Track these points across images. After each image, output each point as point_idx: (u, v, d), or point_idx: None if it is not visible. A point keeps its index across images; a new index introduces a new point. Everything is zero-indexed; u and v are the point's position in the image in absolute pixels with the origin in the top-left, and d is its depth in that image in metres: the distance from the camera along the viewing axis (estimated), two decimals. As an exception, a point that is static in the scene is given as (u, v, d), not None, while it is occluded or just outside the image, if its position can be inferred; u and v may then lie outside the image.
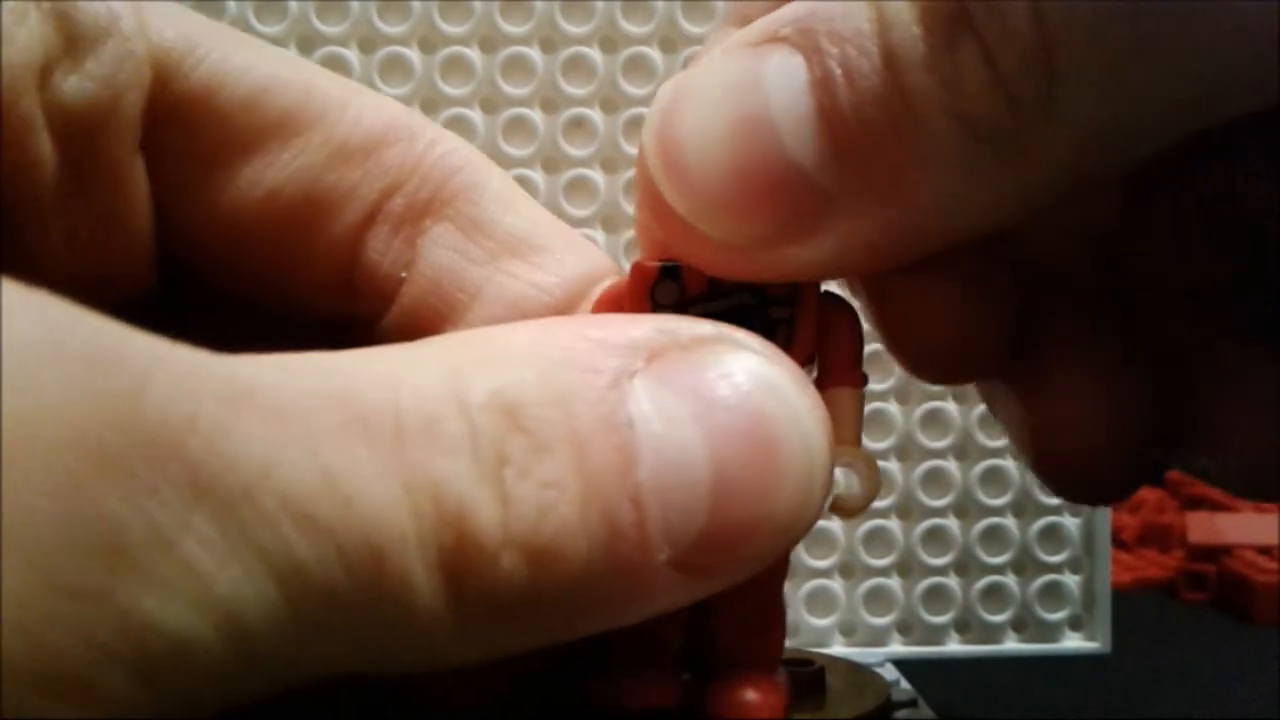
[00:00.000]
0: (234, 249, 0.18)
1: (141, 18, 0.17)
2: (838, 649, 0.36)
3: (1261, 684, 0.35)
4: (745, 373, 0.14)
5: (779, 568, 0.17)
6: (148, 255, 0.18)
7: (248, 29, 0.34)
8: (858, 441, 0.16)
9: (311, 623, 0.12)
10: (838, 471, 0.15)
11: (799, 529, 0.14)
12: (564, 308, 0.18)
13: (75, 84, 0.16)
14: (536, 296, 0.18)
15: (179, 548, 0.11)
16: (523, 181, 0.31)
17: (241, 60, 0.18)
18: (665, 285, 0.16)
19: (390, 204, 0.18)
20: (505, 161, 0.35)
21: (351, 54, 0.35)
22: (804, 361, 0.16)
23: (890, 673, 0.31)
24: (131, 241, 0.18)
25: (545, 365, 0.13)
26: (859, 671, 0.23)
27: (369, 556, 0.12)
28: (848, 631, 0.36)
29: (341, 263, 0.18)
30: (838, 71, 0.14)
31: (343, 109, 0.18)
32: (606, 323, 0.14)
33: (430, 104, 0.35)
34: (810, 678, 0.21)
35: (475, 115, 0.35)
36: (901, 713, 0.28)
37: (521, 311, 0.18)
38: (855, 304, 0.18)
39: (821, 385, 0.15)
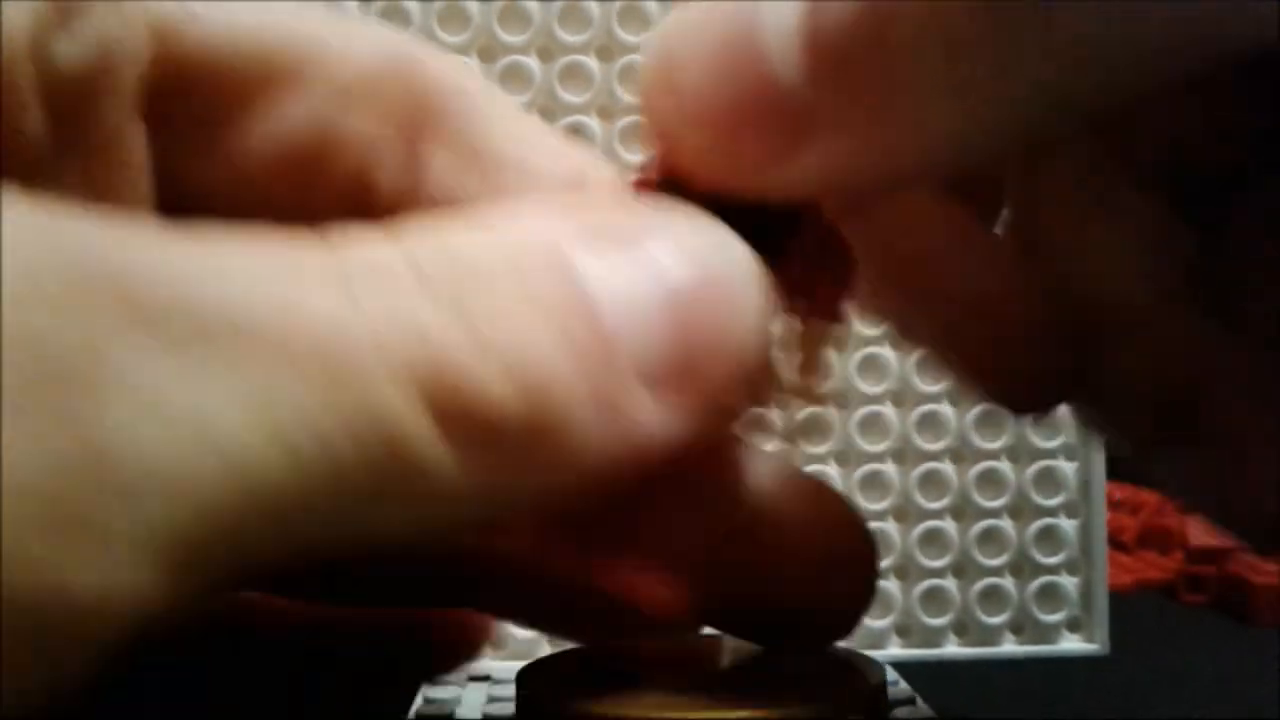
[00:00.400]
0: (241, 205, 0.18)
1: None
2: (837, 652, 0.36)
3: (1262, 686, 0.35)
4: (688, 226, 0.15)
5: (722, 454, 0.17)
6: (149, 222, 0.18)
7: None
8: (817, 374, 0.16)
9: (309, 468, 0.12)
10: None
11: (754, 359, 0.15)
12: None
13: (68, 50, 0.16)
14: None
15: (141, 374, 0.11)
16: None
17: (238, 13, 0.18)
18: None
19: (393, 138, 0.18)
20: (503, 169, 0.35)
21: (350, 64, 0.35)
22: (791, 291, 0.16)
23: (889, 675, 0.31)
24: (131, 210, 0.18)
25: (487, 232, 0.14)
26: (854, 659, 0.23)
27: (339, 388, 0.12)
28: (846, 634, 0.36)
29: (352, 204, 0.18)
30: None
31: (337, 48, 0.18)
32: (549, 198, 0.15)
33: (428, 113, 0.35)
34: (806, 664, 0.21)
35: (473, 123, 0.35)
36: (900, 711, 0.29)
37: None
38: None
39: (799, 314, 0.16)
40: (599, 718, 0.20)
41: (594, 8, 0.35)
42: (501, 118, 0.19)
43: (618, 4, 0.35)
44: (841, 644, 0.35)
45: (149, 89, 0.17)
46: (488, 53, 0.35)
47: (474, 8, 0.35)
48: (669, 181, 0.16)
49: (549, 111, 0.36)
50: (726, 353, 0.14)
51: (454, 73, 0.19)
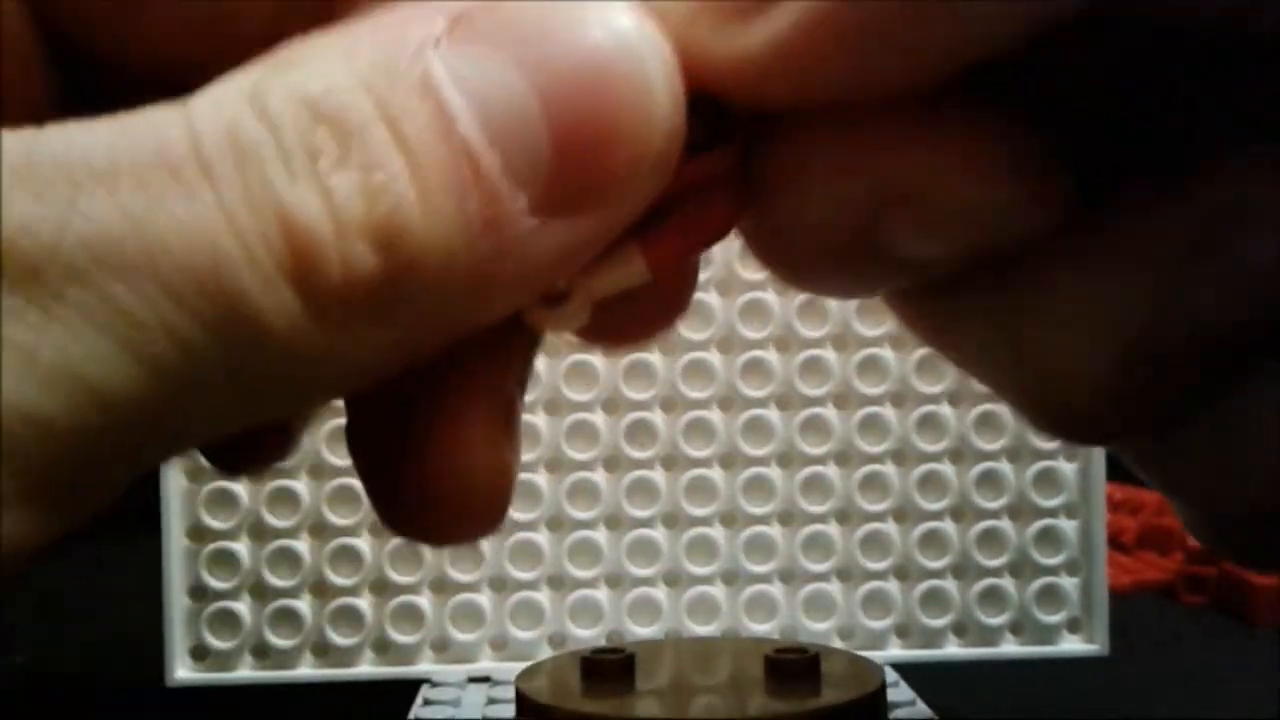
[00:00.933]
0: (148, 81, 0.17)
1: None
2: (837, 652, 0.36)
3: (1261, 687, 0.36)
4: (578, 9, 0.13)
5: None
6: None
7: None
8: (599, 292, 0.14)
9: (172, 381, 0.12)
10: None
11: (657, 138, 0.13)
12: None
13: None
14: None
15: (16, 332, 0.11)
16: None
17: None
18: None
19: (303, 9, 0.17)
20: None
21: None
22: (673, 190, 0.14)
23: (889, 676, 0.31)
24: (24, 105, 0.17)
25: (345, 53, 0.13)
26: (854, 660, 0.23)
27: (203, 290, 0.12)
28: (846, 635, 0.36)
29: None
30: None
31: None
32: (420, 4, 0.14)
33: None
34: (805, 665, 0.21)
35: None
36: (900, 711, 0.29)
37: None
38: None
39: (637, 233, 0.14)
40: (598, 718, 0.20)
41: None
42: None
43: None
44: (842, 645, 0.36)
45: None
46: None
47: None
48: None
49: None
50: (624, 151, 0.13)
51: None
